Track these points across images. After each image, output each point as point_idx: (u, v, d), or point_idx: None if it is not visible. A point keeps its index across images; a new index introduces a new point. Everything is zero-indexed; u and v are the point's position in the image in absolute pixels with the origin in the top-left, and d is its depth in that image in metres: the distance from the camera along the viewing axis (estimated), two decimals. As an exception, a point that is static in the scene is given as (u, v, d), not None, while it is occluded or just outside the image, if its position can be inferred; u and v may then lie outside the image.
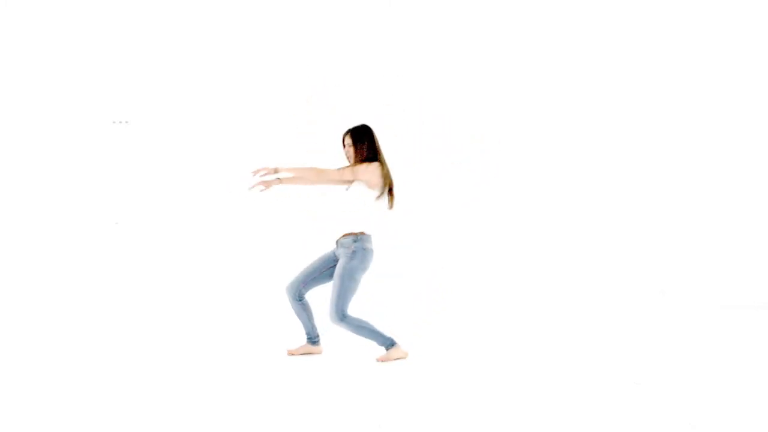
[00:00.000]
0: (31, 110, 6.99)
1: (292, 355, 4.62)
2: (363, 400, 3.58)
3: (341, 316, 4.34)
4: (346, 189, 4.48)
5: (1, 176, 6.97)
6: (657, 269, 7.09)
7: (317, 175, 4.40)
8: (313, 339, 4.66)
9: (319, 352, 4.67)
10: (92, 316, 6.22)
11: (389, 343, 4.44)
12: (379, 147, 4.48)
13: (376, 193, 4.41)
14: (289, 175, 4.37)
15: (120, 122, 7.12)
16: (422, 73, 7.35)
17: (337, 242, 4.48)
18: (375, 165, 4.40)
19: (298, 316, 4.61)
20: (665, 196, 7.17)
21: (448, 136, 7.34)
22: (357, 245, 4.39)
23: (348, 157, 4.50)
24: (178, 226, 7.11)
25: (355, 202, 4.41)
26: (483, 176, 7.35)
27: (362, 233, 4.42)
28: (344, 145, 4.52)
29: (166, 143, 7.14)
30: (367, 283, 5.02)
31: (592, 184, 7.27)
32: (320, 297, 4.85)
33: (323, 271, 4.54)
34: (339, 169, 4.43)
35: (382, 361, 4.41)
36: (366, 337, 4.41)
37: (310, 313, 4.63)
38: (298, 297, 4.56)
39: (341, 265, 4.39)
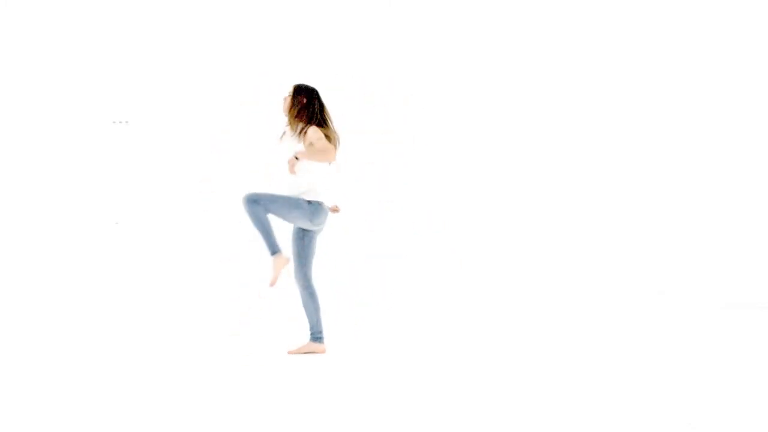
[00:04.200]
0: (32, 110, 6.99)
1: (293, 354, 4.62)
2: (366, 400, 3.58)
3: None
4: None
5: (2, 176, 6.96)
6: (657, 269, 7.08)
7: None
8: (315, 335, 4.67)
9: (323, 351, 4.68)
10: (92, 315, 6.22)
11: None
12: (319, 109, 4.58)
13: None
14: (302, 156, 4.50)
15: (120, 122, 7.11)
16: (422, 73, 7.35)
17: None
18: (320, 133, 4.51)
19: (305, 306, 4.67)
20: (665, 196, 7.16)
21: (447, 137, 7.34)
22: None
23: (284, 108, 4.62)
24: (178, 226, 7.10)
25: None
26: (481, 176, 7.35)
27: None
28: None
29: (166, 143, 7.13)
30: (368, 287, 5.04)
31: (592, 184, 7.26)
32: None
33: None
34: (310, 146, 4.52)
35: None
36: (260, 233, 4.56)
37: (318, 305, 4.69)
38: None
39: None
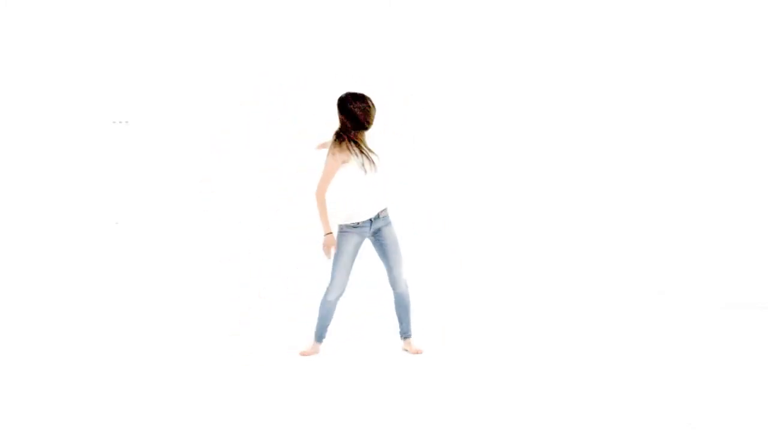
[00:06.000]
0: (32, 110, 6.99)
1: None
2: (365, 400, 3.58)
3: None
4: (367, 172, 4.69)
5: (2, 176, 6.97)
6: (657, 269, 7.09)
7: (319, 194, 4.60)
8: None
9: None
10: (93, 316, 6.22)
11: (409, 334, 4.69)
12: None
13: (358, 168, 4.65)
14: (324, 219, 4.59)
15: (120, 122, 7.12)
16: (422, 73, 7.35)
17: (372, 219, 4.63)
18: (331, 151, 4.64)
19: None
20: (665, 196, 7.16)
21: (447, 137, 7.35)
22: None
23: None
24: (178, 226, 7.11)
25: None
26: (481, 176, 7.35)
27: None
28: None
29: (166, 143, 7.14)
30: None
31: (592, 184, 7.26)
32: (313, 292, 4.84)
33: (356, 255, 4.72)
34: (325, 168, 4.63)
35: (415, 352, 4.65)
36: (401, 314, 4.66)
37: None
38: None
39: (393, 234, 4.68)
